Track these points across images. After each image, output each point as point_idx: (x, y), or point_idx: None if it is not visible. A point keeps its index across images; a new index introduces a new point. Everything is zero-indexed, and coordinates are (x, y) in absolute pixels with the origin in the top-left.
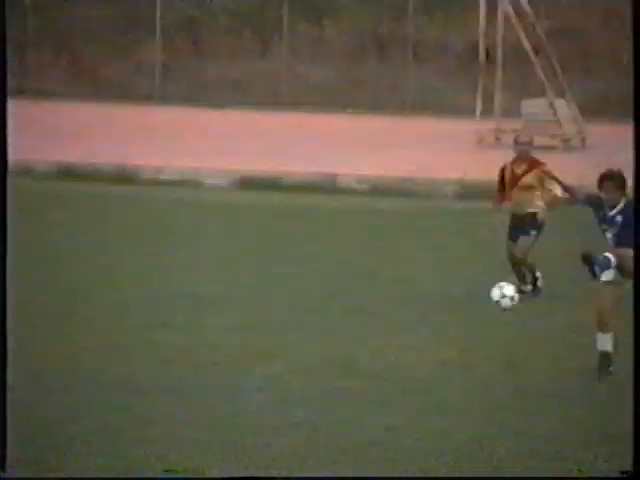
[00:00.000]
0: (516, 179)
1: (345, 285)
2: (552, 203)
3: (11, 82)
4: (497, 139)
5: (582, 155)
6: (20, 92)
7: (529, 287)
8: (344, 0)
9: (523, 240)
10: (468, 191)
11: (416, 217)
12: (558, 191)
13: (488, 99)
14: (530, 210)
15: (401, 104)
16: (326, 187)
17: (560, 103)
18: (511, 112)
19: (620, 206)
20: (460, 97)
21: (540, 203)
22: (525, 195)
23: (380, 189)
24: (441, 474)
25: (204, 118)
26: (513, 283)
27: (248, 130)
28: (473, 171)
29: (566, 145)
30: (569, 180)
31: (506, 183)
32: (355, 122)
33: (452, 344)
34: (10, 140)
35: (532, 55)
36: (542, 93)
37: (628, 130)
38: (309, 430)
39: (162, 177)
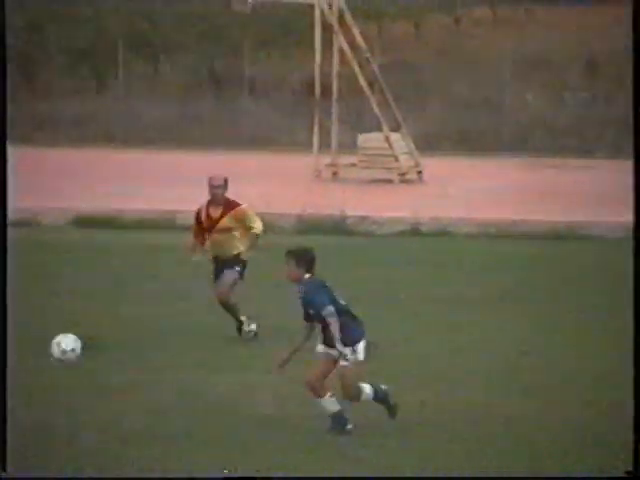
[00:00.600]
0: (214, 222)
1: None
2: (253, 243)
3: None
4: (334, 174)
5: (418, 188)
6: None
7: (253, 325)
8: (179, 36)
9: (224, 279)
10: (307, 226)
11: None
12: (258, 229)
13: (325, 134)
14: (234, 252)
15: (238, 140)
16: (165, 224)
17: (396, 137)
18: (348, 146)
19: (304, 287)
20: (297, 132)
21: (241, 244)
22: (225, 238)
23: None
24: (441, 473)
25: (39, 156)
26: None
27: (86, 168)
28: (311, 206)
29: (402, 178)
30: (406, 213)
31: (204, 227)
32: (192, 159)
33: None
34: None
35: (367, 89)
36: (378, 127)
37: (462, 163)
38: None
39: None
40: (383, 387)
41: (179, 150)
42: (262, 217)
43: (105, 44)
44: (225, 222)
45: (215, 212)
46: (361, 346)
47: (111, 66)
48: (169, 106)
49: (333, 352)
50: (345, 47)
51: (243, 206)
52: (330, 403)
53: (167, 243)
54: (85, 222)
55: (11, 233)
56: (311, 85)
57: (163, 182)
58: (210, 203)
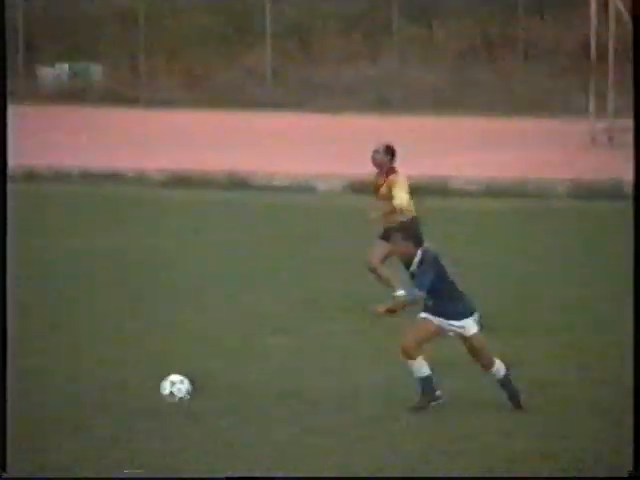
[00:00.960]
0: (376, 190)
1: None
2: (388, 214)
3: (124, 91)
4: (610, 139)
5: None
6: (134, 101)
7: (401, 291)
8: (453, 1)
9: (375, 249)
10: (582, 191)
11: (530, 218)
12: (399, 202)
13: (601, 98)
14: (395, 221)
15: (512, 104)
16: (437, 189)
17: None
18: (624, 111)
19: (417, 259)
20: (572, 97)
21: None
22: (385, 205)
23: (492, 190)
24: (440, 473)
25: (315, 122)
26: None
27: (358, 134)
28: (586, 171)
29: None
30: None
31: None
32: (466, 124)
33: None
34: (122, 149)
35: None
36: None
37: None
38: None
39: (274, 183)
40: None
41: (453, 115)
42: (534, 182)
43: (379, 10)
44: (383, 190)
45: (379, 179)
46: (470, 321)
47: (385, 33)
48: (443, 71)
49: (435, 320)
50: (622, 8)
51: (396, 174)
52: (420, 366)
53: (439, 207)
54: (360, 188)
55: (271, 198)
56: (586, 48)
57: (436, 147)
58: (378, 172)
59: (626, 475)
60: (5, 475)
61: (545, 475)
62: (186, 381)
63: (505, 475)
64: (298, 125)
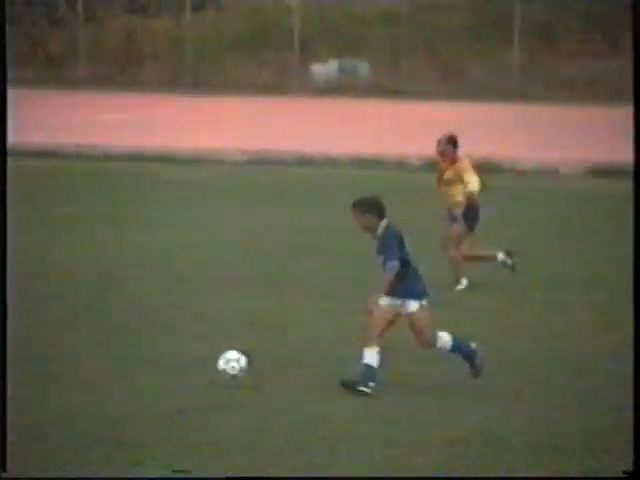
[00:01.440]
0: (441, 175)
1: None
2: (467, 199)
3: (388, 85)
4: None
5: None
6: (396, 92)
7: (464, 282)
8: None
9: (448, 233)
10: None
11: None
12: (472, 187)
13: None
14: (453, 203)
15: None
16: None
17: None
18: None
19: (379, 233)
20: None
21: (460, 197)
22: (448, 189)
23: None
24: (440, 473)
25: (558, 112)
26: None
27: (597, 122)
28: None
29: None
30: None
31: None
32: None
33: None
34: (385, 137)
35: None
36: None
37: None
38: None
39: (517, 167)
40: (473, 345)
41: None
42: None
43: (618, 10)
44: (448, 175)
45: (443, 166)
46: (411, 301)
47: (622, 30)
48: None
49: (397, 302)
50: None
51: (461, 161)
52: (372, 355)
53: None
54: (601, 172)
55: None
56: None
57: None
58: (441, 158)
59: (625, 475)
60: (5, 475)
61: (544, 474)
62: (242, 358)
63: (505, 475)
64: (544, 115)
